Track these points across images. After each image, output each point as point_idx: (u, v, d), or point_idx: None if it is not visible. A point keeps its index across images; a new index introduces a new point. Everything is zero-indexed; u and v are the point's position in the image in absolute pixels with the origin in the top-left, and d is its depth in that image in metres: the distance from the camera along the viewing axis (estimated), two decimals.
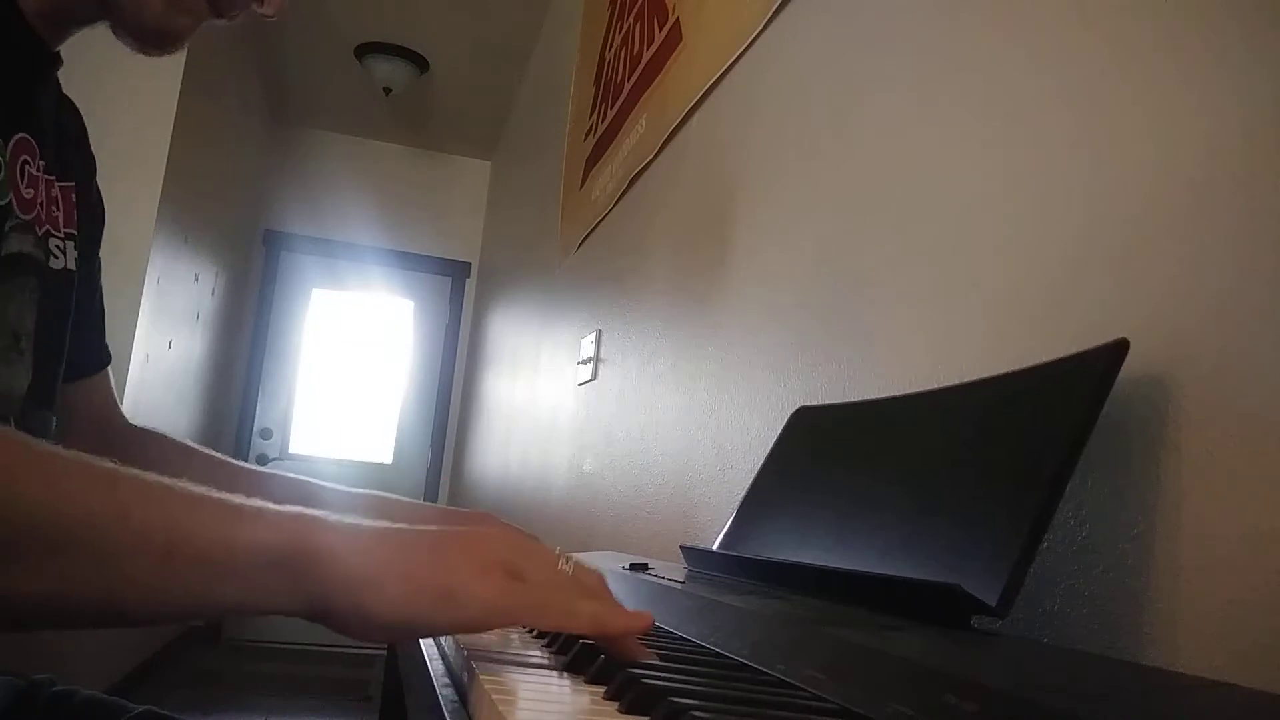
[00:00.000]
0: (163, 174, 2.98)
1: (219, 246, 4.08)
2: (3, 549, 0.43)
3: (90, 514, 0.45)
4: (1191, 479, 0.56)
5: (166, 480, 0.48)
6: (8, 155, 0.73)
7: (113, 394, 0.98)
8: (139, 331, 2.93)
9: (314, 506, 0.90)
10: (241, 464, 0.94)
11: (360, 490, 0.92)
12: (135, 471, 0.48)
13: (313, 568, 0.47)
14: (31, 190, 0.77)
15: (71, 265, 0.84)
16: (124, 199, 2.86)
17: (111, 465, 0.47)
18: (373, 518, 0.52)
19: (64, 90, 0.87)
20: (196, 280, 3.71)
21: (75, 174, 0.87)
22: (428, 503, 0.94)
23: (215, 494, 0.49)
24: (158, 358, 3.21)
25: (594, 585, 0.55)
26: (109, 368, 0.98)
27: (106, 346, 0.98)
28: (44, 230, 0.80)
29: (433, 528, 0.53)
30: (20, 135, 0.75)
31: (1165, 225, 0.62)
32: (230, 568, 0.46)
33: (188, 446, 0.94)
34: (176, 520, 0.46)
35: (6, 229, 0.74)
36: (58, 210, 0.83)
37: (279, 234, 4.99)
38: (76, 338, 0.86)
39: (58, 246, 0.82)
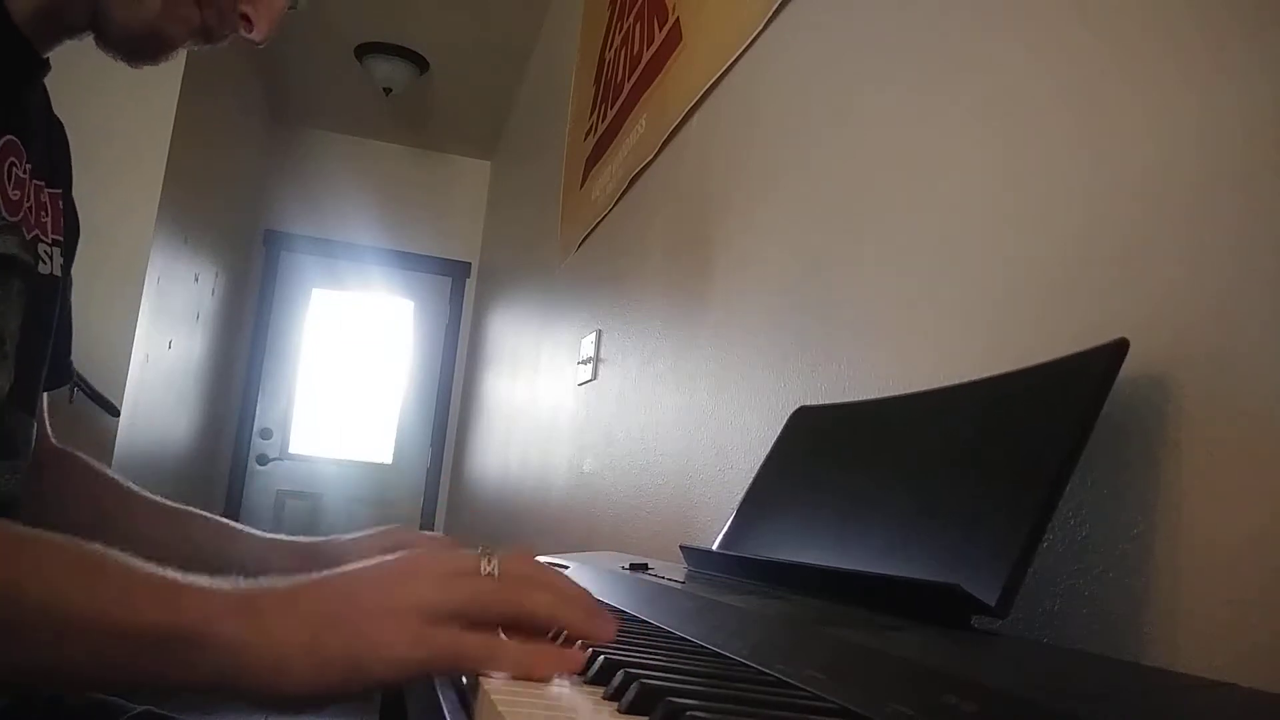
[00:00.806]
0: (163, 174, 2.98)
1: (219, 246, 4.08)
2: None
3: None
4: (1191, 479, 0.56)
5: (73, 549, 0.47)
6: None
7: (45, 413, 0.96)
8: (139, 331, 2.93)
9: (228, 551, 0.84)
10: (157, 499, 0.92)
11: (275, 536, 0.89)
12: (41, 540, 0.47)
13: (211, 653, 0.45)
14: (19, 192, 0.77)
15: (58, 272, 0.84)
16: (124, 199, 2.87)
17: (17, 532, 0.46)
18: (292, 566, 0.50)
19: (63, 91, 0.87)
20: (196, 280, 3.71)
21: (62, 182, 0.87)
22: (357, 536, 0.89)
23: (120, 564, 0.47)
24: (158, 358, 3.21)
25: (523, 578, 0.52)
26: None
27: (70, 364, 0.96)
28: (33, 235, 0.79)
29: (347, 569, 0.51)
30: (8, 137, 0.75)
31: (1165, 225, 0.62)
32: (122, 650, 0.45)
33: (105, 475, 0.92)
34: (69, 600, 0.45)
35: None
36: (46, 216, 0.82)
37: (279, 234, 4.99)
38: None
39: (45, 252, 0.82)
